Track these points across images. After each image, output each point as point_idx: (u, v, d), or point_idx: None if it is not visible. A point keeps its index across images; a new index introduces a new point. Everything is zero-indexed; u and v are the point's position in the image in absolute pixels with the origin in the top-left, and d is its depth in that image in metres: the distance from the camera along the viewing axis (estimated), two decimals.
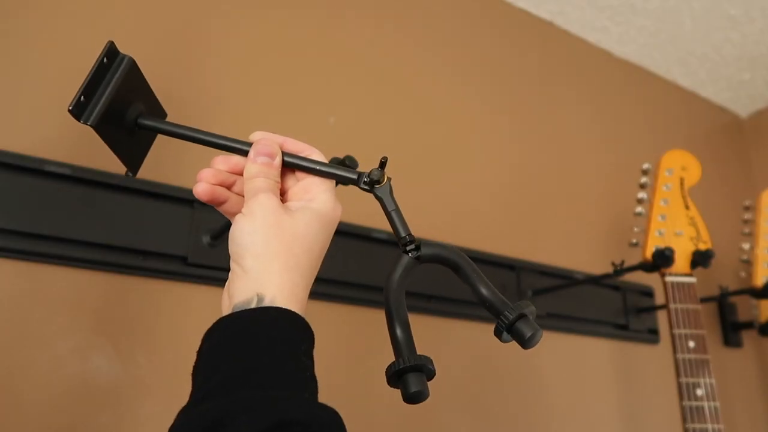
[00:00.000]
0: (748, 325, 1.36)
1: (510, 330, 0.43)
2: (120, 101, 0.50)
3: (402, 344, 0.44)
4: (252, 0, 0.97)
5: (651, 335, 1.25)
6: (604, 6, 1.31)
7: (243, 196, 0.47)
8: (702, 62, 1.49)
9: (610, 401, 1.16)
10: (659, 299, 1.27)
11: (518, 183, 1.19)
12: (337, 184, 0.50)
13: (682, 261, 0.98)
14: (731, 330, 1.39)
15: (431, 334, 0.96)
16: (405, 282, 0.46)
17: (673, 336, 0.94)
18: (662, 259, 0.94)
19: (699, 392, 0.90)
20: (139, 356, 0.74)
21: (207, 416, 0.36)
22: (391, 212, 0.47)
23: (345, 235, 0.90)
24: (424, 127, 1.10)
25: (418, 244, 0.47)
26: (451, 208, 1.07)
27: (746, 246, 1.19)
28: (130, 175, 0.52)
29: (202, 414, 0.36)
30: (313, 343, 0.43)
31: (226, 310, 0.44)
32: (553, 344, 1.11)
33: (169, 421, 0.37)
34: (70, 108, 0.46)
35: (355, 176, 0.49)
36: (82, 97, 0.47)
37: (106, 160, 0.65)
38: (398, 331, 0.44)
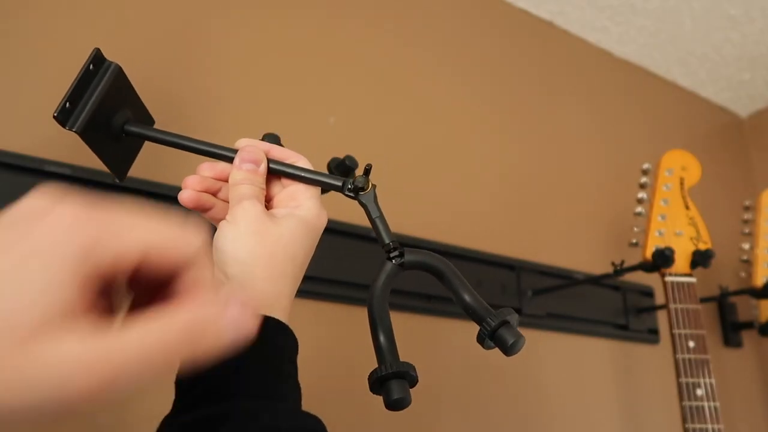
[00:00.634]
0: (748, 325, 1.36)
1: (492, 337, 0.44)
2: (106, 108, 0.50)
3: (385, 351, 0.44)
4: (252, 0, 0.97)
5: (651, 335, 1.25)
6: (604, 6, 1.31)
7: (228, 203, 0.47)
8: (702, 62, 1.49)
9: (610, 401, 1.16)
10: (659, 299, 1.27)
11: (518, 183, 1.19)
12: (322, 191, 0.50)
13: (682, 261, 0.98)
14: (731, 330, 1.39)
15: (431, 334, 0.96)
16: (388, 288, 0.47)
17: (673, 336, 0.94)
18: (662, 259, 0.94)
19: (699, 392, 0.90)
20: None
21: (191, 428, 0.35)
22: (375, 219, 0.48)
23: (337, 233, 0.90)
24: (424, 127, 1.10)
25: (402, 250, 0.47)
26: (451, 207, 1.07)
27: (746, 246, 1.19)
28: (117, 181, 0.53)
29: (186, 425, 0.36)
30: (297, 350, 0.43)
31: None
32: (553, 344, 1.11)
33: None
34: (55, 114, 0.47)
35: (340, 183, 0.49)
36: (67, 104, 0.47)
37: None
38: (381, 338, 0.45)
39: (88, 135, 0.49)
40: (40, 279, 0.24)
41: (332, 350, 0.86)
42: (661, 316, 1.27)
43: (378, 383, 0.43)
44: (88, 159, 0.75)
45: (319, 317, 0.87)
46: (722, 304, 1.39)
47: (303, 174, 0.49)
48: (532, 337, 1.09)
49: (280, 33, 0.98)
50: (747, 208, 1.21)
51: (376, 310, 0.46)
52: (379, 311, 0.46)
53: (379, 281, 0.46)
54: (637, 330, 1.23)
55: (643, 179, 1.01)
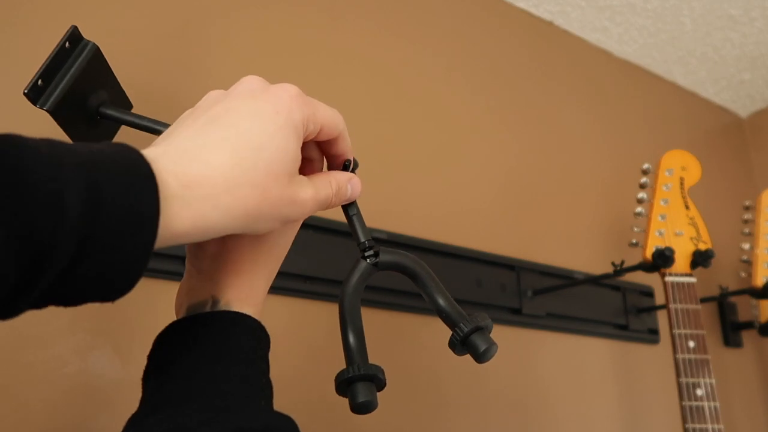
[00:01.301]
0: (748, 325, 1.36)
1: (464, 343, 0.42)
2: (81, 88, 0.48)
3: (354, 352, 0.43)
4: (252, 0, 0.97)
5: (651, 335, 1.25)
6: (604, 6, 1.31)
7: None
8: (702, 62, 1.49)
9: (610, 401, 1.16)
10: (659, 299, 1.27)
11: (518, 183, 1.19)
12: None
13: (682, 261, 0.98)
14: (731, 330, 1.39)
15: (430, 333, 0.96)
16: (361, 288, 0.45)
17: (673, 336, 0.94)
18: (662, 259, 0.94)
19: (699, 392, 0.90)
20: (139, 356, 0.74)
21: (158, 429, 0.35)
22: (352, 216, 0.46)
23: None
24: (424, 127, 1.10)
25: (378, 250, 0.45)
26: (451, 207, 1.07)
27: (746, 246, 1.19)
28: None
29: (153, 427, 0.35)
30: (269, 346, 0.42)
31: (179, 309, 0.43)
32: (553, 344, 1.11)
33: None
34: (26, 91, 0.45)
35: None
36: (39, 81, 0.45)
37: None
38: (351, 338, 0.43)
39: (59, 115, 0.47)
40: (282, 136, 0.35)
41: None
42: (661, 316, 1.27)
43: (344, 385, 0.42)
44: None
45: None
46: (722, 304, 1.39)
47: None
48: (532, 337, 1.09)
49: (280, 33, 0.98)
50: (747, 208, 1.21)
51: (347, 310, 0.44)
52: (351, 310, 0.44)
53: (351, 280, 0.45)
54: (637, 330, 1.23)
55: (643, 179, 1.01)
